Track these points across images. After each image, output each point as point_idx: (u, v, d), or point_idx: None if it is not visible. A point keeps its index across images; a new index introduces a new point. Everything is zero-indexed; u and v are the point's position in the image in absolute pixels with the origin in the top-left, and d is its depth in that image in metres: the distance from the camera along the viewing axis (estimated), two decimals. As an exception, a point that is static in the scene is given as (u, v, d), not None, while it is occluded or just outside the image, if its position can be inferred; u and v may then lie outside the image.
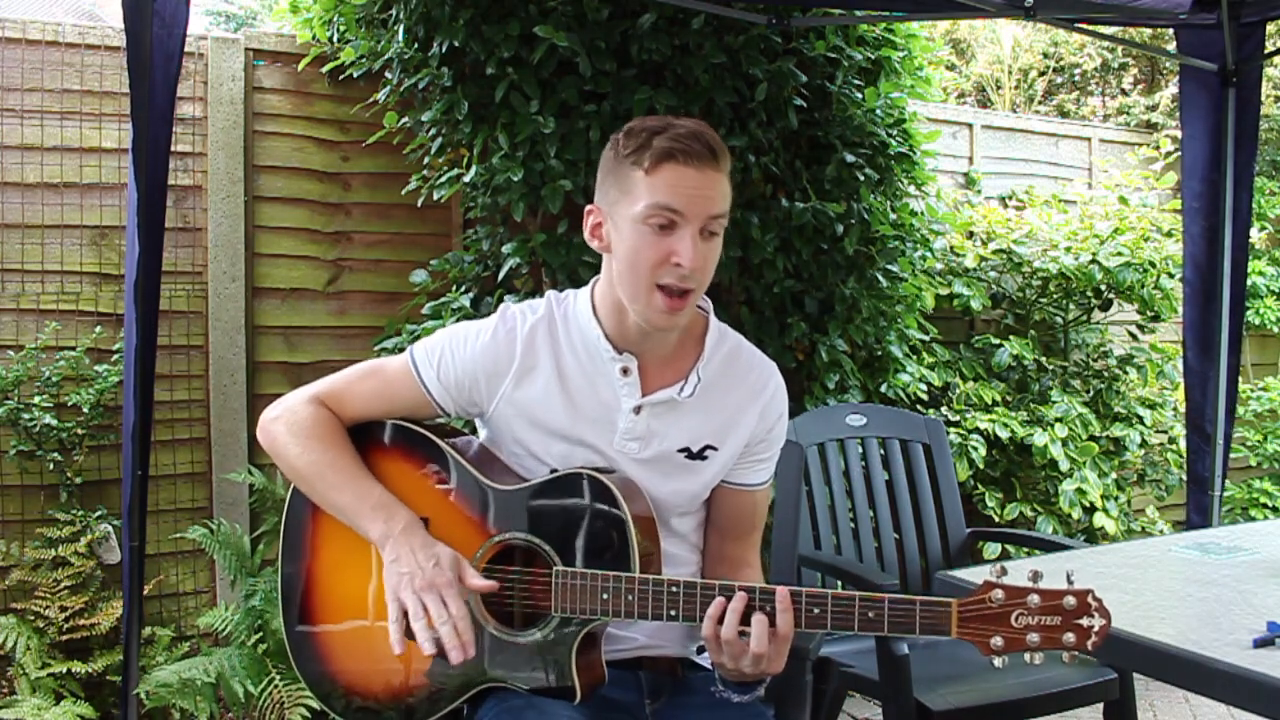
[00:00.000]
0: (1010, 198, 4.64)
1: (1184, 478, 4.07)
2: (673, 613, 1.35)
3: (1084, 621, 1.22)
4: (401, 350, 1.58)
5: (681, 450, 1.51)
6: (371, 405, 1.53)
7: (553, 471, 1.46)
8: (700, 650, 1.57)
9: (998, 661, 1.24)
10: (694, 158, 1.36)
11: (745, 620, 1.31)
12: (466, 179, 3.07)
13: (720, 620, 1.31)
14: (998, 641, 1.23)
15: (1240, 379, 3.59)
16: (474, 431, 1.62)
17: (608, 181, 1.44)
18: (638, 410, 1.48)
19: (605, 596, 1.37)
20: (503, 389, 1.49)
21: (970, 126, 4.61)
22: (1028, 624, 1.23)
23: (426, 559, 1.38)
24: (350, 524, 1.47)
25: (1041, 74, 7.33)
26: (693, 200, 1.37)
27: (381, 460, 1.51)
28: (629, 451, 1.48)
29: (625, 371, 1.48)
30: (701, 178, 1.37)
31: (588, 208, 1.48)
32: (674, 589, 1.35)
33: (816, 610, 1.30)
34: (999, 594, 1.24)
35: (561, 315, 1.52)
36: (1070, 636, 1.22)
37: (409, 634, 1.38)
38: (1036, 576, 1.24)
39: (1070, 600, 1.22)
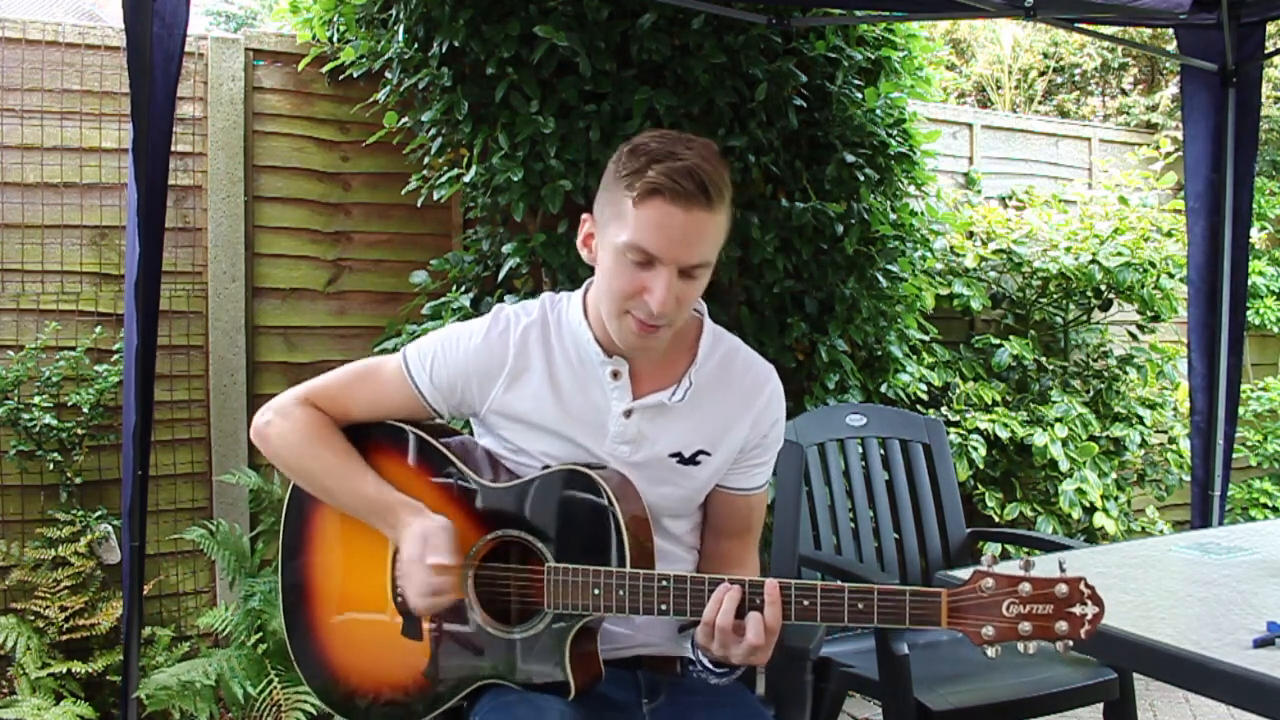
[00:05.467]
0: (1010, 198, 4.64)
1: (1184, 478, 4.08)
2: (664, 607, 1.34)
3: (1076, 610, 1.19)
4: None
5: (673, 455, 1.49)
6: (365, 407, 1.53)
7: (545, 468, 1.46)
8: (682, 629, 1.55)
9: (990, 652, 1.22)
10: (682, 198, 1.30)
11: (739, 612, 1.30)
12: (466, 179, 3.07)
13: (718, 607, 1.31)
14: (989, 631, 1.21)
15: (1240, 379, 3.58)
16: (469, 431, 1.62)
17: (604, 196, 1.40)
18: (628, 414, 1.47)
19: (597, 592, 1.36)
20: (494, 391, 1.49)
21: (970, 126, 4.61)
22: (1019, 613, 1.21)
23: (409, 548, 1.41)
24: (361, 519, 1.49)
25: (1041, 74, 7.33)
26: (672, 246, 1.32)
27: (376, 461, 1.51)
28: (620, 455, 1.48)
29: (615, 375, 1.47)
30: (688, 220, 1.31)
31: (584, 215, 1.46)
32: (664, 583, 1.34)
33: (806, 602, 1.29)
34: (989, 583, 1.22)
35: (555, 318, 1.51)
36: (1063, 625, 1.20)
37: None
38: (1028, 565, 1.23)
39: (1062, 588, 1.20)
